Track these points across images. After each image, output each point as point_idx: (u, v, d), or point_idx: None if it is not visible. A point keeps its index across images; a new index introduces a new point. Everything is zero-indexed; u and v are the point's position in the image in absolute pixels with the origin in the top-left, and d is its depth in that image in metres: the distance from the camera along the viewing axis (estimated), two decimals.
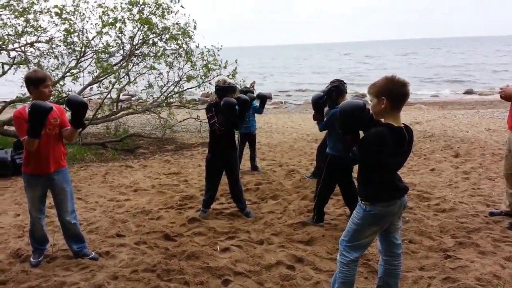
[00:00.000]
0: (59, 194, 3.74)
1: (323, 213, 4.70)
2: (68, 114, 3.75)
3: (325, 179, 4.60)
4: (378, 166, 2.61)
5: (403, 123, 2.63)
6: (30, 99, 3.64)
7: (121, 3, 10.33)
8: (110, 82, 10.48)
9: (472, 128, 11.07)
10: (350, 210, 4.61)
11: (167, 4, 10.50)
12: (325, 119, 4.53)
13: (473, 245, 3.98)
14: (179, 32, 10.85)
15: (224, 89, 4.81)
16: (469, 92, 26.02)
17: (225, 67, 11.01)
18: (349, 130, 2.68)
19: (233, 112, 4.66)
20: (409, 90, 2.57)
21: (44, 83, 3.50)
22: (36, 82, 3.49)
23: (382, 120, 2.64)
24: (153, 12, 10.48)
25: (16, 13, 9.89)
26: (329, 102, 4.51)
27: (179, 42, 10.90)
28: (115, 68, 10.22)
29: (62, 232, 3.95)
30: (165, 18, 10.62)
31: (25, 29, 10.20)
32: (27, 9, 9.93)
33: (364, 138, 2.56)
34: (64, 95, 10.24)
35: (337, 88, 4.49)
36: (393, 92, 2.52)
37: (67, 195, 3.76)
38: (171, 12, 10.59)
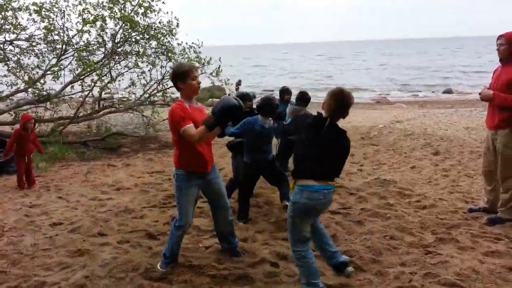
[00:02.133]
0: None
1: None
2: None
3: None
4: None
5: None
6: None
7: (102, 1, 10.20)
8: (92, 80, 10.35)
9: (451, 126, 11.29)
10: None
11: (148, 1, 10.41)
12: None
13: (453, 240, 4.06)
14: (163, 31, 10.77)
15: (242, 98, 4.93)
16: (448, 91, 26.52)
17: (208, 62, 10.96)
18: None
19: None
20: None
21: (191, 75, 3.28)
22: (182, 76, 3.27)
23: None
24: (135, 10, 10.38)
25: None
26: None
27: (160, 40, 10.82)
28: (97, 66, 10.09)
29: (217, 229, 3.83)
30: (148, 17, 10.53)
31: (3, 27, 9.99)
32: (5, 6, 9.73)
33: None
34: (44, 93, 10.08)
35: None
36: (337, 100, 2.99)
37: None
38: (154, 10, 10.51)
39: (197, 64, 10.89)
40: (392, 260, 3.68)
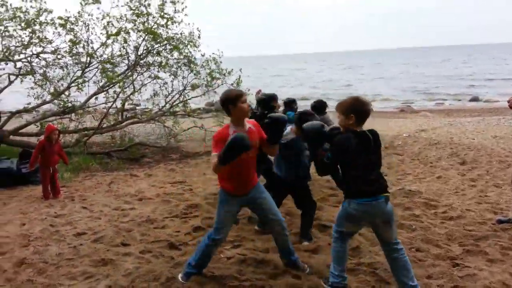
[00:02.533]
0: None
1: None
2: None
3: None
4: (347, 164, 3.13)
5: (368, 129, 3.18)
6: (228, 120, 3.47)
7: (125, 14, 10.44)
8: (115, 92, 10.56)
9: (478, 135, 11.01)
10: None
11: (169, 14, 10.60)
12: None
13: (481, 253, 3.93)
14: (185, 42, 10.94)
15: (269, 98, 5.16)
16: (474, 99, 25.95)
17: (229, 73, 11.05)
18: (319, 146, 3.25)
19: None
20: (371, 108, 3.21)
21: (241, 98, 3.35)
22: (235, 99, 3.35)
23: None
24: (157, 22, 10.57)
25: (22, 25, 10.01)
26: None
27: (182, 51, 10.98)
28: (120, 77, 10.30)
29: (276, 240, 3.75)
30: (169, 28, 10.71)
31: (31, 40, 10.31)
32: (32, 21, 10.04)
33: (334, 142, 3.13)
34: (69, 104, 10.32)
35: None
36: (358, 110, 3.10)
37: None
38: (175, 22, 10.69)
39: (217, 75, 11.01)
40: (418, 272, 3.57)
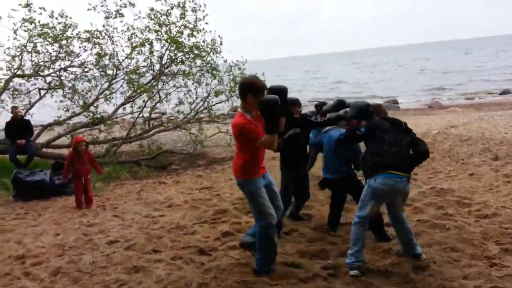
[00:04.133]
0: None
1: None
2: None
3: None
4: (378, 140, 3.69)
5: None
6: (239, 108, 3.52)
7: (147, 25, 10.62)
8: (143, 100, 10.74)
9: (511, 129, 10.65)
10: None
11: (191, 23, 10.72)
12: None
13: None
14: (208, 49, 11.04)
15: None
16: (505, 92, 25.12)
17: None
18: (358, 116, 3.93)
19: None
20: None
21: (263, 94, 3.37)
22: (259, 91, 3.38)
23: None
24: (180, 31, 10.72)
25: (49, 40, 10.33)
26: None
27: (205, 58, 11.09)
28: (147, 86, 10.48)
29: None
30: (194, 37, 10.84)
31: (58, 55, 10.63)
32: (60, 36, 10.36)
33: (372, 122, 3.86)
34: (98, 116, 10.58)
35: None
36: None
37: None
38: (199, 31, 10.81)
39: None
40: (454, 273, 3.48)
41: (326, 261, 3.92)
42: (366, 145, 3.87)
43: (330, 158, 4.57)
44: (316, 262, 3.91)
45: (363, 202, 3.67)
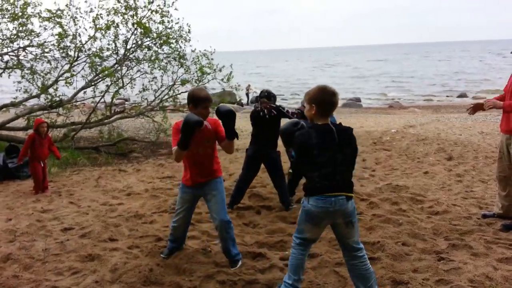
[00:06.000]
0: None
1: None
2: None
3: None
4: (309, 162, 2.86)
5: (339, 123, 2.98)
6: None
7: (113, 7, 10.31)
8: (106, 85, 10.45)
9: (465, 131, 11.15)
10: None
11: (160, 7, 10.51)
12: None
13: (466, 247, 3.98)
14: (175, 36, 10.86)
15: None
16: (462, 95, 26.21)
17: (220, 70, 11.01)
18: (289, 145, 3.02)
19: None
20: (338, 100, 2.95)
21: (203, 104, 3.45)
22: (197, 101, 3.45)
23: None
24: (148, 17, 10.49)
25: (8, 18, 9.85)
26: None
27: (172, 46, 10.90)
28: (111, 70, 10.20)
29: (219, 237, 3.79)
30: (163, 23, 10.62)
31: (18, 33, 10.16)
32: (20, 13, 9.89)
33: (295, 139, 2.90)
34: (57, 99, 10.21)
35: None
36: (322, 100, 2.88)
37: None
38: (168, 17, 10.61)
39: (208, 70, 10.94)
40: (404, 266, 3.62)
41: (284, 252, 3.98)
42: None
43: None
44: (274, 253, 3.96)
45: None
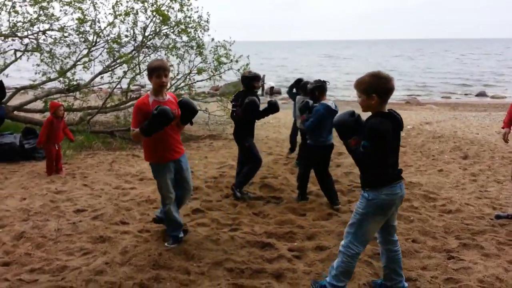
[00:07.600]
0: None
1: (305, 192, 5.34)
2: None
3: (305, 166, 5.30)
4: (385, 150, 2.78)
5: (390, 109, 2.88)
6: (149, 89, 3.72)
7: None
8: (123, 71, 10.52)
9: (482, 130, 10.94)
10: (327, 198, 5.15)
11: None
12: (311, 119, 4.92)
13: (477, 247, 3.94)
14: (194, 25, 10.85)
15: (250, 78, 5.25)
16: (481, 94, 25.70)
17: (237, 61, 10.98)
18: (348, 136, 2.89)
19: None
20: (394, 84, 2.80)
21: (156, 73, 3.52)
22: (150, 72, 3.56)
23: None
24: (168, 5, 10.50)
25: (30, 1, 9.96)
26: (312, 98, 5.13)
27: (190, 35, 10.90)
28: (128, 57, 10.26)
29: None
30: (183, 11, 10.63)
31: (38, 17, 10.27)
32: None
33: (371, 130, 2.74)
34: (74, 83, 10.33)
35: (320, 87, 5.05)
36: (380, 87, 2.76)
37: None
38: (187, 5, 10.61)
39: (225, 60, 10.91)
40: (413, 263, 3.60)
41: (293, 244, 3.99)
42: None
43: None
44: (283, 244, 3.97)
45: None
